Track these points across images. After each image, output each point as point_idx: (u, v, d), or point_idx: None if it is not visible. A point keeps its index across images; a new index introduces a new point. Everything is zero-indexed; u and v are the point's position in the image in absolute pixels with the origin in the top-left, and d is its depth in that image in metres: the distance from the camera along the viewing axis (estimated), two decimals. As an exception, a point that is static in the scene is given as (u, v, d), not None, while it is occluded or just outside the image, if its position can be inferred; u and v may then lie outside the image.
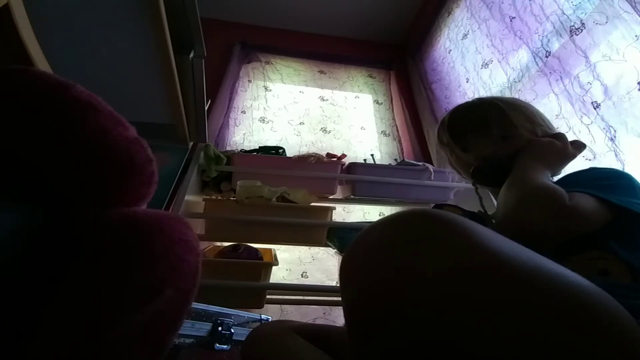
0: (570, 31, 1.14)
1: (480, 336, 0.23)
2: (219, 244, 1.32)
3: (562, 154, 0.60)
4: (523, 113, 0.66)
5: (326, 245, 1.24)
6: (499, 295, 0.24)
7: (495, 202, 1.12)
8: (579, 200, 0.47)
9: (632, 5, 0.94)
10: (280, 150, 1.54)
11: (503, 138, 0.64)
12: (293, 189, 1.26)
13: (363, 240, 0.33)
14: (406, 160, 1.64)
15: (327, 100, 2.17)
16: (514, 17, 1.43)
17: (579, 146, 0.63)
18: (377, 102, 2.26)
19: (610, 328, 0.24)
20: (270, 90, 2.13)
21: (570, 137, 0.69)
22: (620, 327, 0.24)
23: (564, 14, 1.18)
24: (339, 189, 1.44)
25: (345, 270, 0.34)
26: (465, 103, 0.74)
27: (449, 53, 1.94)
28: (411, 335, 0.25)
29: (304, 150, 1.85)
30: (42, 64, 0.67)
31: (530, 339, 0.23)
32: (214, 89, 1.88)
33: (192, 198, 1.24)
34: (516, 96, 1.35)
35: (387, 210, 1.62)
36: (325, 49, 2.39)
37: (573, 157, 0.61)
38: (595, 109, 1.01)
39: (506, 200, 0.53)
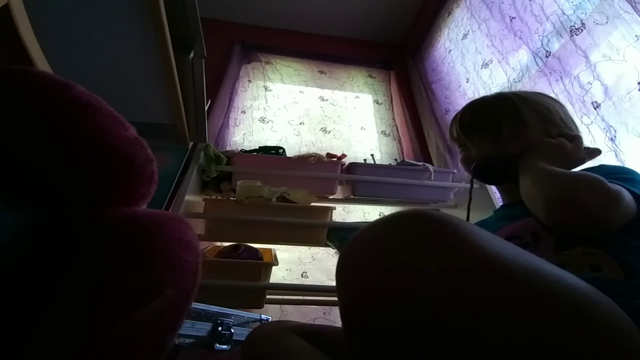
0: (571, 31, 1.14)
1: (475, 336, 0.23)
2: (219, 244, 1.32)
3: (570, 157, 0.57)
4: (539, 112, 0.62)
5: (326, 245, 1.24)
6: (495, 295, 0.24)
7: (497, 206, 1.12)
8: (617, 186, 0.46)
9: (632, 6, 0.94)
10: (280, 150, 1.54)
11: (512, 136, 0.62)
12: (293, 189, 1.26)
13: (359, 240, 0.33)
14: (406, 160, 1.64)
15: (327, 100, 2.17)
16: (514, 17, 1.43)
17: (592, 152, 0.60)
18: (377, 102, 2.26)
19: (606, 329, 0.24)
20: (270, 90, 2.13)
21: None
22: (616, 328, 0.24)
23: (564, 14, 1.18)
24: (339, 189, 1.44)
25: (341, 271, 0.34)
26: (482, 97, 0.71)
27: (449, 53, 1.94)
28: (406, 335, 0.25)
29: (304, 150, 1.85)
30: (42, 64, 0.67)
31: (525, 340, 0.23)
32: (214, 89, 1.88)
33: (192, 198, 1.24)
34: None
35: (387, 210, 1.62)
36: (325, 49, 2.39)
37: (582, 161, 0.59)
38: (595, 109, 1.01)
39: (545, 191, 0.49)
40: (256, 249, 1.16)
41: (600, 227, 0.44)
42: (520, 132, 0.61)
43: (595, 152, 0.61)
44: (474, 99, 0.73)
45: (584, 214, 0.44)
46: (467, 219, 0.72)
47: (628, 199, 0.45)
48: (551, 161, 0.55)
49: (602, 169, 0.58)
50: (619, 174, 0.52)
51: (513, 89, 1.39)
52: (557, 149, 0.57)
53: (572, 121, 0.65)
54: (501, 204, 0.75)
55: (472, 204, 0.75)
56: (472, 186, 0.74)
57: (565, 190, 0.47)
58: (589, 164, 0.61)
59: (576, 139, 0.60)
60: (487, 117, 0.66)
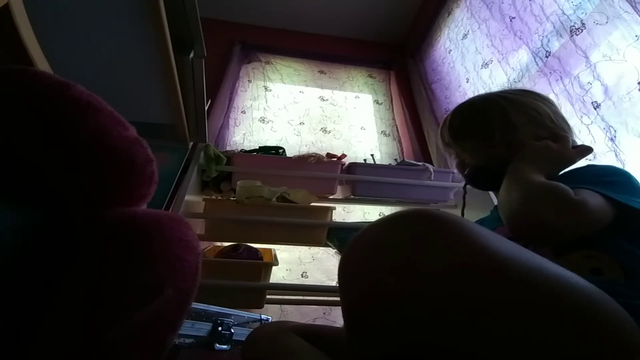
0: (571, 31, 1.14)
1: (476, 336, 0.23)
2: (219, 244, 1.32)
3: (558, 157, 0.57)
4: (527, 115, 0.62)
5: (326, 245, 1.24)
6: (496, 295, 0.24)
7: (496, 200, 1.12)
8: (585, 195, 0.46)
9: (632, 5, 0.94)
10: (280, 150, 1.54)
11: (502, 142, 0.61)
12: (293, 189, 1.26)
13: (360, 240, 0.33)
14: (406, 160, 1.64)
15: (327, 100, 2.17)
16: (514, 17, 1.43)
17: (582, 151, 0.59)
18: (377, 102, 2.26)
19: (607, 329, 0.24)
20: (270, 90, 2.13)
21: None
22: (618, 328, 0.24)
23: (564, 14, 1.18)
24: (339, 189, 1.44)
25: (342, 271, 0.34)
26: (468, 102, 0.71)
27: (449, 53, 1.94)
28: (407, 335, 0.25)
29: (304, 150, 1.85)
30: (42, 64, 0.67)
31: (528, 339, 0.22)
32: (214, 89, 1.88)
33: (192, 198, 1.24)
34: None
35: (387, 210, 1.61)
36: (325, 49, 2.39)
37: (572, 161, 0.58)
38: (595, 109, 1.01)
39: (510, 200, 0.51)
40: (256, 249, 1.16)
41: (562, 237, 0.46)
42: (510, 137, 0.61)
43: (586, 151, 0.60)
44: (461, 102, 0.72)
45: (541, 227, 0.45)
46: None
47: (596, 207, 0.45)
48: (537, 164, 0.54)
49: (589, 169, 0.58)
50: (602, 176, 0.52)
51: (513, 89, 1.39)
52: (542, 152, 0.57)
53: (563, 120, 0.64)
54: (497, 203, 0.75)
55: (472, 204, 0.76)
56: (465, 192, 0.74)
57: (526, 204, 0.48)
58: (582, 162, 0.60)
59: (563, 139, 0.59)
60: (476, 124, 0.65)
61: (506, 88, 1.31)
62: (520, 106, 0.63)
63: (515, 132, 0.61)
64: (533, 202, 0.47)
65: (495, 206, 0.74)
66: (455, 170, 0.78)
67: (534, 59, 1.29)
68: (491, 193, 1.27)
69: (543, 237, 0.47)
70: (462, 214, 0.75)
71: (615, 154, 0.94)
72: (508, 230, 0.50)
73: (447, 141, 0.72)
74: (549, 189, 0.47)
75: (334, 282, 1.48)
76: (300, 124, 2.01)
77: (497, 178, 0.58)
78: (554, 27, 1.22)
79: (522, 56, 1.37)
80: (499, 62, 1.49)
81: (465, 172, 0.68)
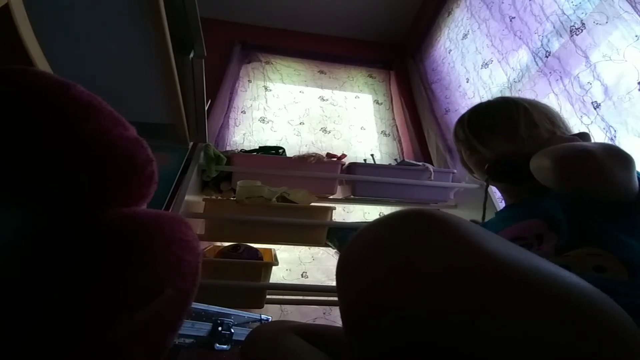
0: (571, 31, 1.14)
1: (475, 336, 0.23)
2: (219, 244, 1.32)
3: None
4: (545, 113, 0.67)
5: (326, 245, 1.24)
6: (494, 295, 0.24)
7: (497, 206, 1.12)
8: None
9: (632, 5, 0.94)
10: (280, 150, 1.54)
11: (526, 137, 0.64)
12: (293, 189, 1.26)
13: (358, 240, 0.33)
14: (406, 160, 1.64)
15: (327, 100, 2.17)
16: (514, 17, 1.43)
17: None
18: (377, 102, 2.26)
19: (606, 329, 0.24)
20: (270, 90, 2.13)
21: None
22: (617, 328, 0.24)
23: (564, 14, 1.18)
24: (339, 189, 1.44)
25: (340, 271, 0.34)
26: (488, 101, 0.75)
27: (449, 53, 1.94)
28: (407, 335, 0.25)
29: (304, 150, 1.85)
30: (42, 64, 0.67)
31: (528, 339, 0.22)
32: (214, 89, 1.88)
33: (192, 198, 1.24)
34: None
35: (387, 210, 1.61)
36: (325, 49, 2.39)
37: None
38: (595, 109, 1.01)
39: (553, 154, 0.52)
40: (256, 249, 1.16)
41: (608, 183, 0.46)
42: (533, 133, 0.64)
43: None
44: (479, 102, 0.75)
45: (593, 164, 0.46)
46: (483, 218, 0.73)
47: (636, 173, 0.47)
48: None
49: None
50: None
51: (513, 89, 1.39)
52: (570, 142, 0.59)
53: (568, 125, 0.70)
54: (502, 204, 0.75)
55: (472, 204, 0.76)
56: (487, 185, 0.74)
57: (576, 147, 0.50)
58: None
59: (584, 135, 0.63)
60: (502, 119, 0.68)
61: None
62: (538, 107, 0.69)
63: (535, 127, 0.65)
64: (584, 146, 0.49)
65: (504, 207, 0.74)
66: (455, 170, 0.78)
67: (534, 59, 1.28)
68: (492, 193, 1.27)
69: (594, 177, 0.47)
70: (484, 208, 0.75)
71: (615, 154, 0.94)
72: (554, 180, 0.51)
73: (462, 137, 0.74)
74: (597, 144, 0.52)
75: (334, 282, 1.48)
76: (300, 124, 2.01)
77: (519, 169, 0.59)
78: (554, 27, 1.22)
79: (522, 56, 1.37)
80: (499, 62, 1.49)
81: (486, 167, 0.68)
